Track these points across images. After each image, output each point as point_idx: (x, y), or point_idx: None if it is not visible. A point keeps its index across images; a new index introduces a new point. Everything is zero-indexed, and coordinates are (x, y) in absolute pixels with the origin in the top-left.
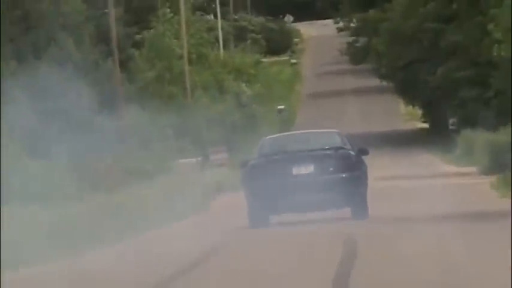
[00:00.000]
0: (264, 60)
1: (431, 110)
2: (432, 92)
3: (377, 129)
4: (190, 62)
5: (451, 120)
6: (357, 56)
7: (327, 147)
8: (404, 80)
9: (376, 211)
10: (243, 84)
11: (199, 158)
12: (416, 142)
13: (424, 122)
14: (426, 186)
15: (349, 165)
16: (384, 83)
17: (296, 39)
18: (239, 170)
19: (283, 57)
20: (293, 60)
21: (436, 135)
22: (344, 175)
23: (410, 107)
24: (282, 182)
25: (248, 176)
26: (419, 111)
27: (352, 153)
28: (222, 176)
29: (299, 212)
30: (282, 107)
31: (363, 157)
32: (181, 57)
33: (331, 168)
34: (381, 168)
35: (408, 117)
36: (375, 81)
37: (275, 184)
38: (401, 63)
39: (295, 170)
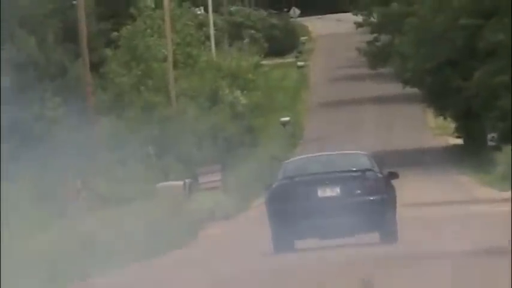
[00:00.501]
0: (265, 62)
1: (467, 123)
2: (467, 101)
3: (401, 146)
4: (175, 65)
5: (489, 136)
6: (377, 57)
7: (354, 168)
8: (434, 87)
9: (400, 249)
10: (240, 92)
11: (186, 180)
12: (449, 161)
13: (458, 137)
14: (460, 216)
15: (378, 188)
16: (409, 90)
17: (303, 38)
18: (236, 195)
19: (288, 59)
20: (300, 63)
21: (472, 152)
22: (372, 198)
23: (441, 118)
24: (306, 204)
25: (271, 199)
26: (451, 124)
27: (380, 175)
28: (214, 201)
29: (324, 237)
30: (287, 118)
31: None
32: (164, 59)
33: (359, 191)
34: (405, 193)
35: (438, 131)
36: (398, 88)
37: (299, 207)
38: (429, 66)
39: (320, 192)
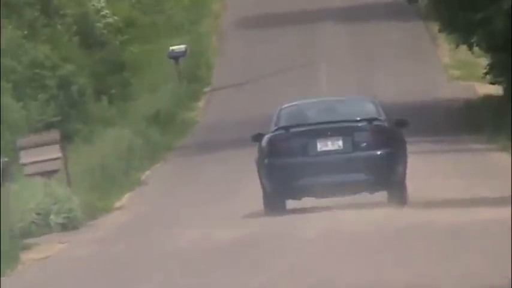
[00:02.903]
0: None
1: (508, 59)
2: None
3: (393, 97)
4: None
5: None
6: None
7: (358, 118)
8: None
9: None
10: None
11: None
12: (477, 126)
13: (494, 82)
14: (492, 228)
15: (386, 140)
16: None
17: None
18: (88, 185)
19: None
20: None
21: None
22: (379, 152)
23: (463, 49)
24: (304, 160)
25: (262, 153)
26: (481, 61)
27: (388, 124)
28: (50, 198)
29: (324, 196)
30: (182, 47)
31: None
32: None
33: (364, 144)
34: (408, 182)
35: (458, 71)
36: None
37: (296, 162)
38: None
39: (320, 146)
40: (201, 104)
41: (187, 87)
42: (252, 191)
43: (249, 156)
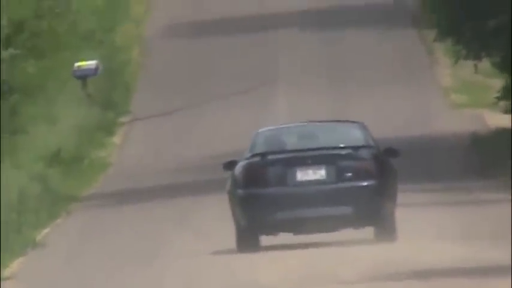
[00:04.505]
0: None
1: None
2: None
3: (377, 129)
4: None
5: None
6: None
7: (342, 145)
8: None
9: None
10: None
11: None
12: (488, 169)
13: (510, 110)
14: None
15: (374, 170)
16: None
17: None
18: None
19: None
20: None
21: None
22: (366, 183)
23: (467, 68)
24: (282, 190)
25: (235, 182)
26: (490, 81)
27: (377, 153)
28: None
29: (303, 232)
30: (92, 63)
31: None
32: None
33: (349, 174)
34: (400, 248)
35: (461, 97)
36: None
37: (273, 193)
38: None
39: (300, 175)
40: (116, 139)
41: (99, 116)
42: (181, 250)
43: (179, 209)
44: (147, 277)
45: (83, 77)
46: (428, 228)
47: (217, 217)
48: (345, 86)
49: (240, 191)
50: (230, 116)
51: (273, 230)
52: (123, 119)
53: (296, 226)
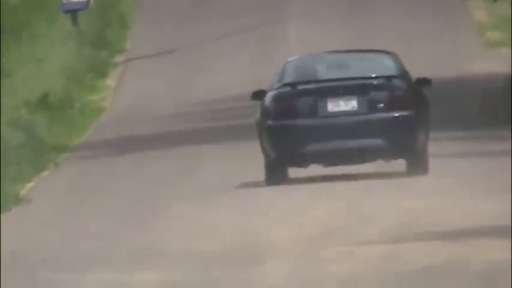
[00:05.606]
0: None
1: None
2: None
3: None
4: None
5: None
6: None
7: (374, 75)
8: None
9: None
10: None
11: None
12: None
13: None
14: None
15: (407, 101)
16: None
17: None
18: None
19: None
20: None
21: None
22: (398, 114)
23: (506, 5)
24: (312, 122)
25: (264, 113)
26: None
27: (410, 83)
28: None
29: (333, 164)
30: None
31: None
32: None
33: (382, 105)
34: (431, 202)
35: (499, 34)
36: None
37: (303, 124)
38: None
39: (331, 106)
40: (110, 81)
41: (91, 56)
42: (181, 211)
43: (181, 159)
44: (146, 242)
45: (73, 11)
46: (459, 183)
47: (221, 171)
48: (365, 22)
49: (269, 122)
50: (234, 53)
51: (303, 162)
52: (117, 59)
53: (326, 158)
